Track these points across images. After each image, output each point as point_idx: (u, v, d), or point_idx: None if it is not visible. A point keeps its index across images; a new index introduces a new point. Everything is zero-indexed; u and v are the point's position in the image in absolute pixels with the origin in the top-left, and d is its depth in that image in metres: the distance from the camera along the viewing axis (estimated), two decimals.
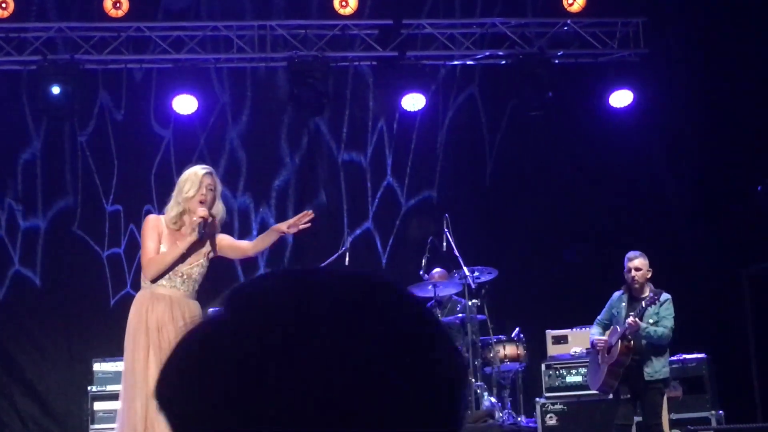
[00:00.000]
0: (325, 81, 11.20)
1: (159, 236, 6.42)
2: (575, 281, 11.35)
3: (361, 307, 1.01)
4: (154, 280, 6.39)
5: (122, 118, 11.74)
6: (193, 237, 6.35)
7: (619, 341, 8.57)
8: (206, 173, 6.46)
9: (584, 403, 9.78)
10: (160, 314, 6.29)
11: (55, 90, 10.88)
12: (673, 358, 9.58)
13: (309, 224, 6.72)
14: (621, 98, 11.51)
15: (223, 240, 6.65)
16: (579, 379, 9.96)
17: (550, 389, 10.09)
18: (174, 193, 6.49)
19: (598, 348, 8.76)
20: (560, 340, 10.42)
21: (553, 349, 10.42)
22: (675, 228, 11.80)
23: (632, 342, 8.55)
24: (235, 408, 0.95)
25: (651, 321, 8.57)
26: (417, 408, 0.97)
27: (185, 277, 6.41)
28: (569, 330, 10.44)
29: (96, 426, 10.12)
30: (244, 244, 7.01)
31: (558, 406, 9.86)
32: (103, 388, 10.22)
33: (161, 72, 11.55)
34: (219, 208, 6.53)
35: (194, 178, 6.42)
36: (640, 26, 11.59)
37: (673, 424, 9.36)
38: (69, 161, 11.72)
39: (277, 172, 11.99)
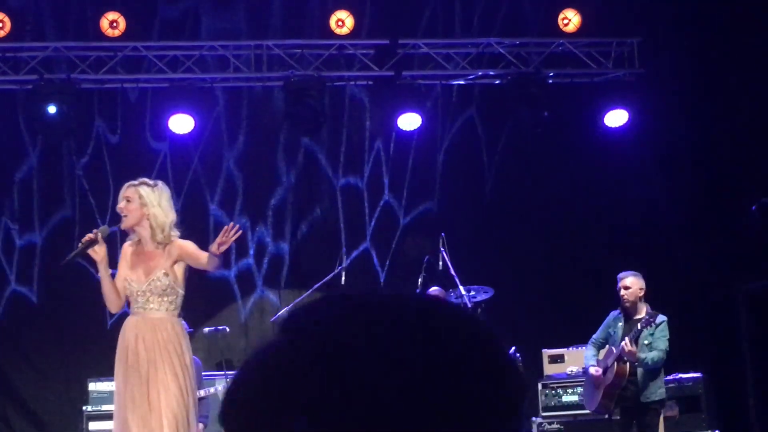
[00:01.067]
0: (321, 100, 11.21)
1: (124, 263, 6.44)
2: (571, 300, 11.35)
3: (417, 329, 1.01)
4: (126, 306, 6.45)
5: (118, 138, 11.74)
6: (101, 262, 6.32)
7: (615, 363, 8.58)
8: (126, 186, 6.46)
9: (581, 423, 9.77)
10: (130, 338, 6.30)
11: (51, 109, 10.87)
12: (669, 378, 9.59)
13: (238, 234, 6.48)
14: (616, 118, 11.53)
15: (187, 248, 6.52)
16: (576, 398, 9.94)
17: (547, 408, 10.08)
18: None
19: (592, 376, 8.77)
20: (557, 359, 10.41)
21: (549, 369, 10.41)
22: (670, 246, 11.80)
23: (627, 364, 8.56)
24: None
25: (646, 343, 8.58)
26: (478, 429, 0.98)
27: (147, 296, 6.35)
28: (565, 349, 10.44)
29: None
30: (203, 256, 6.56)
31: (555, 426, 9.85)
32: (99, 408, 10.19)
33: (157, 91, 11.55)
34: (155, 219, 6.40)
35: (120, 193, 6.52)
36: (635, 46, 11.62)
37: None
38: (66, 180, 11.72)
39: (274, 191, 11.99)
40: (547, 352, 10.49)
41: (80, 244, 6.39)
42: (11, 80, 11.19)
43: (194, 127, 11.21)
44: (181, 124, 11.16)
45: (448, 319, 1.04)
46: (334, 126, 11.96)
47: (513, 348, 10.37)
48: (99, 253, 6.35)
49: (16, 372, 11.46)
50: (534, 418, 9.98)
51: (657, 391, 8.65)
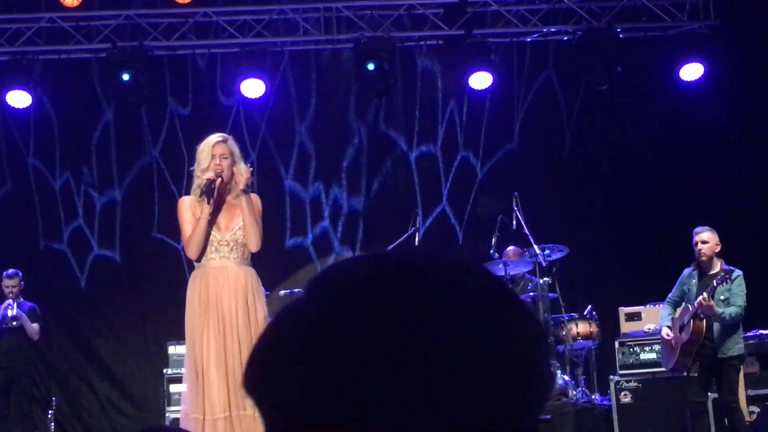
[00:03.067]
0: (391, 61, 11.18)
1: (194, 215, 6.42)
2: (647, 257, 11.24)
3: (444, 289, 0.99)
4: (199, 258, 6.43)
5: (189, 107, 11.86)
6: (209, 205, 6.30)
7: (691, 321, 8.48)
8: (217, 142, 6.42)
9: (659, 381, 9.68)
10: (220, 287, 6.29)
11: (125, 77, 10.99)
12: (749, 334, 9.46)
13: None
14: (692, 71, 11.32)
15: (258, 202, 6.52)
16: (653, 356, 9.85)
17: (624, 366, 10.00)
18: (194, 167, 6.50)
19: (667, 338, 8.69)
20: (633, 317, 10.31)
21: (626, 326, 10.32)
22: (748, 201, 11.61)
23: (704, 321, 8.45)
24: (319, 395, 0.94)
25: (722, 298, 8.46)
26: (503, 388, 0.96)
27: (232, 244, 6.39)
28: (642, 307, 10.32)
29: (172, 408, 10.24)
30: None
31: (632, 384, 9.78)
32: (179, 371, 10.34)
33: (226, 57, 11.62)
34: (239, 171, 6.41)
35: (207, 149, 6.42)
36: None
37: (750, 400, 9.24)
38: (143, 147, 11.88)
39: (347, 153, 12.02)
40: (623, 310, 10.40)
41: (206, 185, 6.32)
42: (85, 49, 11.33)
43: (265, 90, 11.26)
44: (253, 88, 11.21)
45: (474, 281, 1.02)
46: (405, 87, 11.92)
47: (589, 306, 10.32)
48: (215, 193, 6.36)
49: (97, 337, 11.69)
50: (611, 377, 9.92)
51: (735, 347, 8.53)
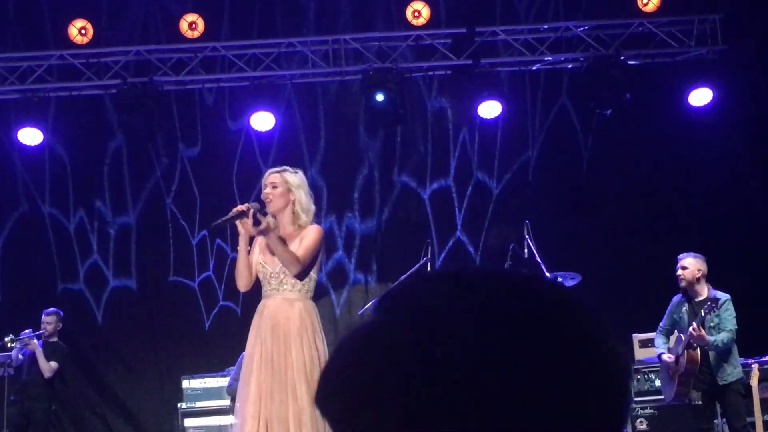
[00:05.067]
0: (400, 92, 11.21)
1: (257, 248, 6.51)
2: (660, 284, 11.18)
3: (517, 308, 0.97)
4: (250, 290, 6.50)
5: (199, 144, 11.93)
6: (244, 236, 6.38)
7: (685, 350, 8.46)
8: (271, 172, 6.53)
9: (675, 407, 9.63)
10: (261, 322, 6.35)
11: (136, 113, 11.06)
12: (764, 359, 9.42)
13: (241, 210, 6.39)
14: (700, 97, 11.33)
15: (306, 233, 6.50)
16: None
17: (640, 393, 9.96)
18: None
19: (666, 364, 8.67)
20: (647, 343, 10.26)
21: (640, 353, 10.29)
22: (759, 228, 11.57)
23: (698, 349, 8.43)
24: (392, 413, 0.94)
25: (712, 325, 8.45)
26: (577, 412, 0.94)
27: (280, 277, 6.40)
28: (656, 333, 10.28)
29: None
30: (300, 248, 6.51)
31: (648, 411, 9.73)
32: (193, 405, 10.34)
33: (234, 90, 11.68)
34: (299, 201, 6.44)
35: (263, 179, 6.58)
36: (717, 23, 11.41)
37: (766, 425, 9.18)
38: (157, 180, 11.93)
39: (357, 184, 12.04)
40: (637, 337, 10.36)
41: (231, 213, 6.40)
42: (96, 85, 11.39)
43: (275, 123, 11.30)
44: (262, 121, 11.25)
45: (548, 295, 1.00)
46: (414, 118, 11.96)
47: None
48: (245, 225, 6.39)
49: (111, 372, 11.69)
50: None
51: (733, 371, 8.52)
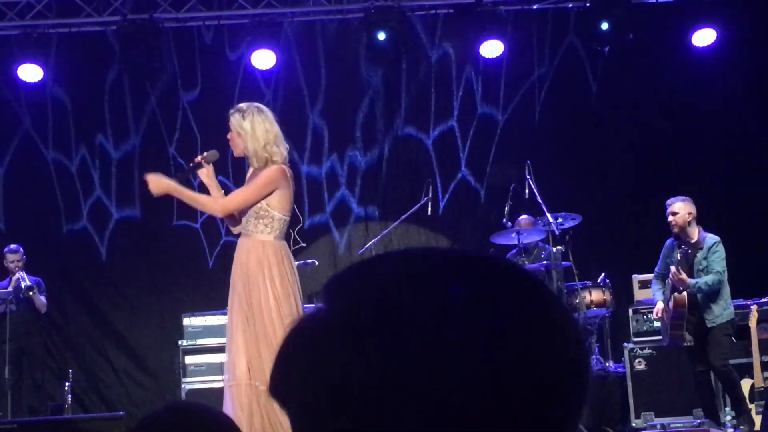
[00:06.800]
0: (401, 31, 11.12)
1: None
2: (660, 224, 11.20)
3: (473, 290, 0.95)
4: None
5: (199, 85, 11.88)
6: (206, 182, 6.60)
7: (671, 295, 8.52)
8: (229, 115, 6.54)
9: (673, 348, 9.69)
10: (235, 258, 6.51)
11: (136, 50, 10.99)
12: (764, 300, 9.46)
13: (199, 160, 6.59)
14: (704, 37, 11.25)
15: (255, 175, 6.56)
16: None
17: (638, 334, 10.02)
18: None
19: (660, 309, 8.74)
20: (647, 284, 10.27)
21: (639, 294, 10.33)
22: (758, 170, 11.55)
23: (684, 293, 8.47)
24: (343, 403, 0.92)
25: (700, 268, 8.49)
26: (538, 396, 0.92)
27: (247, 217, 6.45)
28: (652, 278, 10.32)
29: (188, 379, 10.30)
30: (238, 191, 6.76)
31: (646, 351, 9.79)
32: (194, 342, 10.39)
33: (233, 28, 11.59)
34: (247, 141, 6.40)
35: None
36: None
37: (765, 366, 9.24)
38: (166, 120, 11.90)
39: (359, 122, 12.00)
40: (637, 278, 10.40)
41: (188, 165, 6.64)
42: (96, 21, 11.30)
43: (276, 61, 11.22)
44: (263, 59, 11.17)
45: (503, 275, 0.98)
46: (415, 56, 11.89)
47: (603, 274, 10.31)
48: (204, 174, 6.56)
49: (113, 309, 11.76)
50: (625, 344, 9.93)
51: (723, 313, 8.58)
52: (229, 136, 6.46)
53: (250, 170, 6.53)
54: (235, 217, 6.55)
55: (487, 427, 0.90)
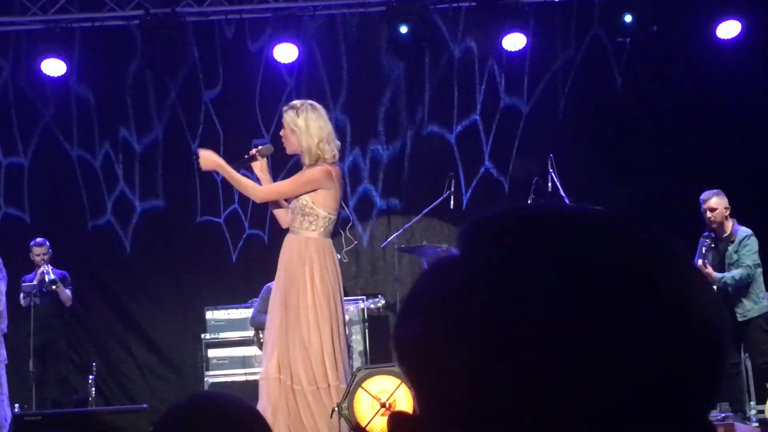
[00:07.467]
0: (423, 24, 11.10)
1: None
2: (685, 217, 11.14)
3: (606, 246, 0.91)
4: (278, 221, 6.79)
5: (221, 79, 11.89)
6: (260, 176, 6.70)
7: None
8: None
9: None
10: (281, 255, 6.59)
11: (159, 44, 11.02)
12: None
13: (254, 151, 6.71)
14: (729, 29, 11.17)
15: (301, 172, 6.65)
16: None
17: None
18: None
19: None
20: None
21: None
22: None
23: (714, 287, 8.43)
24: (469, 359, 0.87)
25: (730, 262, 8.45)
26: (658, 384, 0.86)
27: (294, 214, 6.51)
28: None
29: (211, 372, 10.33)
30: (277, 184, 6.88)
31: None
32: (216, 336, 10.42)
33: (254, 22, 11.60)
34: (300, 138, 6.44)
35: None
36: None
37: None
38: (188, 114, 11.92)
39: (381, 116, 11.99)
40: None
41: (243, 158, 6.69)
42: (118, 16, 11.34)
43: (298, 55, 11.22)
44: (285, 53, 11.18)
45: (629, 233, 0.95)
46: (438, 50, 11.86)
47: None
48: (257, 167, 6.68)
49: (135, 302, 11.79)
50: None
51: (755, 307, 8.52)
52: (282, 133, 6.54)
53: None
54: (285, 214, 6.62)
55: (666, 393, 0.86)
